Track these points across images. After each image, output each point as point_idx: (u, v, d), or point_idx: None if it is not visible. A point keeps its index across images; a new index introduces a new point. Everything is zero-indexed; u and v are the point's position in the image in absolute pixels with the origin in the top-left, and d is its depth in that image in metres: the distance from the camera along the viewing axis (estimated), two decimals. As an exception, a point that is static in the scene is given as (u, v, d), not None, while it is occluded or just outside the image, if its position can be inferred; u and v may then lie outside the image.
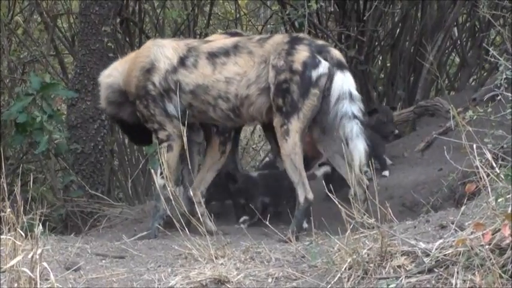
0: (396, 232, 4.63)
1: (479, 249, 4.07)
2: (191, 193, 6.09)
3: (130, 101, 6.24)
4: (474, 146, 4.54)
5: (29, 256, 4.27)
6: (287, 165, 5.90)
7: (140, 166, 9.31)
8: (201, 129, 6.42)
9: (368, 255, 4.41)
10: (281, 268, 4.77)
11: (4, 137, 8.58)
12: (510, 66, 5.57)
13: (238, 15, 11.15)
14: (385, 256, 4.38)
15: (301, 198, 5.89)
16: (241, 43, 6.05)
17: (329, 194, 4.95)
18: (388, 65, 10.00)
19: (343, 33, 9.38)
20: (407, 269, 4.28)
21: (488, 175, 4.40)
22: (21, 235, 4.50)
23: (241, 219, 6.58)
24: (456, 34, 10.21)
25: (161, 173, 6.01)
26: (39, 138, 7.36)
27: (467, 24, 10.23)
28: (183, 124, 5.92)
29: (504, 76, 5.55)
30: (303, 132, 5.91)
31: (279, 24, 9.99)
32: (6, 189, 4.85)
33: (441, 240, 4.34)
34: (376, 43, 9.85)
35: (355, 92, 5.88)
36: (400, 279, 4.22)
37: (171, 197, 5.40)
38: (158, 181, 6.09)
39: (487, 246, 4.04)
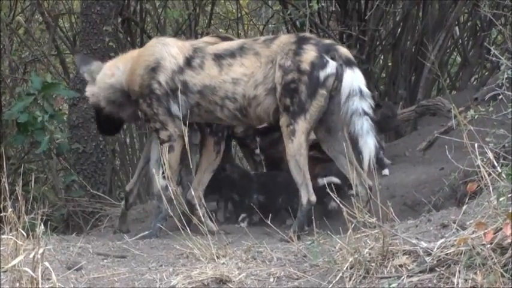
0: (398, 231, 4.62)
1: (481, 249, 4.06)
2: (190, 195, 6.10)
3: (132, 100, 6.22)
4: (476, 145, 4.54)
5: (31, 256, 4.27)
6: (291, 166, 5.87)
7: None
8: (198, 131, 6.41)
9: (370, 254, 4.41)
10: (283, 267, 4.77)
11: (5, 137, 8.59)
12: (511, 66, 5.56)
13: (239, 15, 11.15)
14: (387, 255, 4.38)
15: (304, 200, 5.87)
16: (247, 45, 6.03)
17: (330, 193, 4.95)
18: (390, 64, 10.01)
19: (345, 32, 9.39)
20: (409, 268, 4.28)
21: (489, 174, 4.40)
22: (23, 235, 4.50)
23: (240, 218, 6.59)
24: (457, 33, 10.21)
25: (163, 173, 6.02)
26: (40, 138, 7.35)
27: (468, 24, 10.23)
28: (185, 124, 5.92)
29: (505, 75, 5.54)
30: (308, 133, 5.90)
31: (281, 24, 10.00)
32: (7, 189, 4.84)
33: (443, 240, 4.33)
34: (378, 42, 9.86)
35: (365, 89, 5.85)
36: (402, 278, 4.22)
37: (173, 197, 5.40)
38: (160, 182, 6.09)
39: (488, 246, 4.04)
